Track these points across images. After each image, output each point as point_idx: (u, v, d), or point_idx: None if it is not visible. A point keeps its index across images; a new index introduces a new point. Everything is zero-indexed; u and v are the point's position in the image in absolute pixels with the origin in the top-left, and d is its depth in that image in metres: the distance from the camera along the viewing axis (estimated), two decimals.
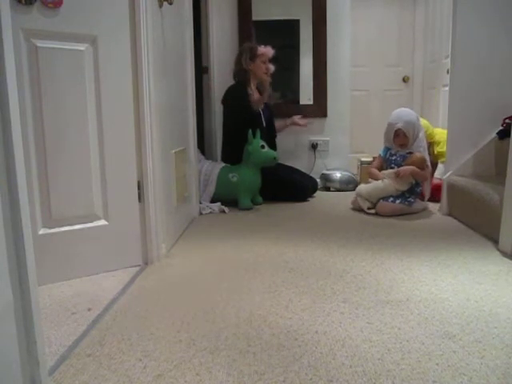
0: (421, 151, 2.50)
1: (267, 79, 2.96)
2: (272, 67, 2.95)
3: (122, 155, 1.58)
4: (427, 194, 2.57)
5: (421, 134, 2.52)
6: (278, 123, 3.13)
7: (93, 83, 1.49)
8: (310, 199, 2.93)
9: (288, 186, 2.85)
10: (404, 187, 2.44)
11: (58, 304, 1.32)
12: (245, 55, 2.89)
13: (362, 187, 2.53)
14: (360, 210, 2.50)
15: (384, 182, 2.46)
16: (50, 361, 1.00)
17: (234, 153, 2.78)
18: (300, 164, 3.23)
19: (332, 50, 3.35)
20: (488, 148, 2.39)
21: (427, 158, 2.52)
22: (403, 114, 2.54)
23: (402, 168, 2.45)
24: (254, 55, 2.88)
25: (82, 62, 1.46)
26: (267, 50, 2.91)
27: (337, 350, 1.03)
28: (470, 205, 2.15)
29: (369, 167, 2.78)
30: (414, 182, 2.46)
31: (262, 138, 2.71)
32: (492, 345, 1.03)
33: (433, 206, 2.59)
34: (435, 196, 2.62)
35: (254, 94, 2.89)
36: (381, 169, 2.58)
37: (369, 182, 2.56)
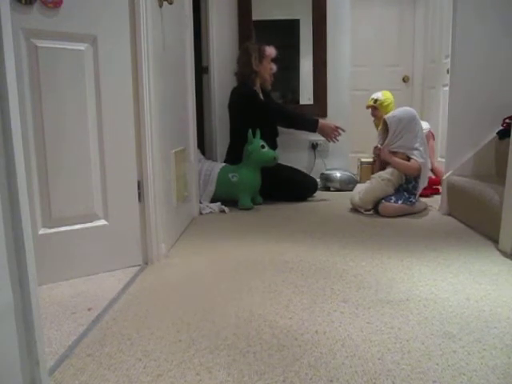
0: (414, 153, 2.46)
1: (271, 79, 2.99)
2: (275, 67, 2.97)
3: (122, 155, 1.58)
4: (418, 192, 2.50)
5: (410, 135, 2.46)
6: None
7: (93, 83, 1.49)
8: (310, 199, 2.93)
9: (288, 186, 2.84)
10: (390, 188, 2.44)
11: (58, 304, 1.32)
12: (254, 56, 2.89)
13: (354, 196, 2.53)
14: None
15: (372, 183, 2.46)
16: (49, 361, 1.00)
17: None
18: (300, 164, 3.22)
19: (332, 49, 3.35)
20: (488, 148, 2.38)
21: (426, 160, 2.50)
22: (398, 109, 2.59)
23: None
24: (262, 56, 2.90)
25: (82, 61, 1.46)
26: (272, 51, 2.93)
27: (337, 349, 1.03)
28: (470, 205, 2.15)
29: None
30: (403, 180, 2.46)
31: (265, 136, 2.70)
32: (492, 345, 1.03)
33: (433, 206, 2.59)
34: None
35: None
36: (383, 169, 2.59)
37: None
